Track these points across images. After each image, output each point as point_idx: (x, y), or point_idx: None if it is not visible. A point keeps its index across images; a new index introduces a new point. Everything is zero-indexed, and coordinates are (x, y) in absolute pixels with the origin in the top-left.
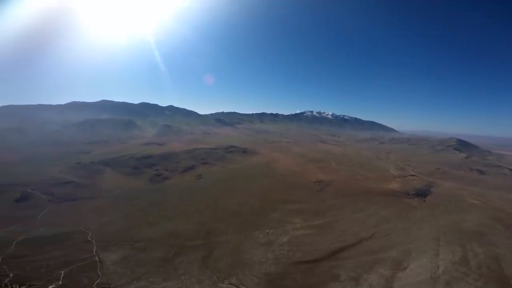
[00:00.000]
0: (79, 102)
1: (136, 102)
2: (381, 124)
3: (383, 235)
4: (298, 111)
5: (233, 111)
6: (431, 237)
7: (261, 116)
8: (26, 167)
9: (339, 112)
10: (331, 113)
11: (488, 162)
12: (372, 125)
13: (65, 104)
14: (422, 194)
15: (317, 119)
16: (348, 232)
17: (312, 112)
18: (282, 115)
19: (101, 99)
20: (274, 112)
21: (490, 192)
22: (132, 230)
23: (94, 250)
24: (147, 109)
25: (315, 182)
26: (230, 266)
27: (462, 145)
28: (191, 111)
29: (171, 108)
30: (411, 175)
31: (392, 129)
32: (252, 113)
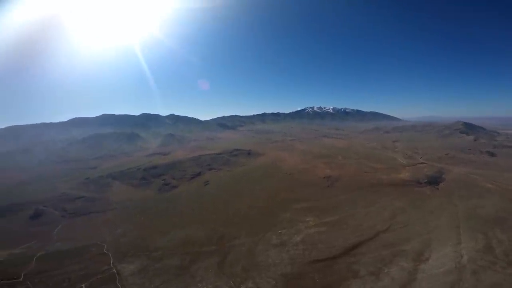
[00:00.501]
0: (81, 118)
1: (137, 113)
2: (384, 114)
3: (400, 227)
4: (299, 108)
5: (234, 114)
6: (450, 225)
7: (262, 117)
8: (37, 186)
9: (340, 105)
10: (332, 107)
11: (497, 143)
12: (375, 115)
13: (67, 121)
14: (434, 181)
15: (319, 115)
16: (363, 226)
17: (313, 108)
18: (283, 113)
19: (102, 113)
20: (275, 112)
21: (503, 175)
22: (146, 240)
23: (111, 262)
24: (148, 120)
25: (323, 178)
26: (246, 270)
27: (468, 128)
28: (192, 118)
29: (172, 117)
30: (420, 163)
31: (396, 117)
32: (253, 115)
